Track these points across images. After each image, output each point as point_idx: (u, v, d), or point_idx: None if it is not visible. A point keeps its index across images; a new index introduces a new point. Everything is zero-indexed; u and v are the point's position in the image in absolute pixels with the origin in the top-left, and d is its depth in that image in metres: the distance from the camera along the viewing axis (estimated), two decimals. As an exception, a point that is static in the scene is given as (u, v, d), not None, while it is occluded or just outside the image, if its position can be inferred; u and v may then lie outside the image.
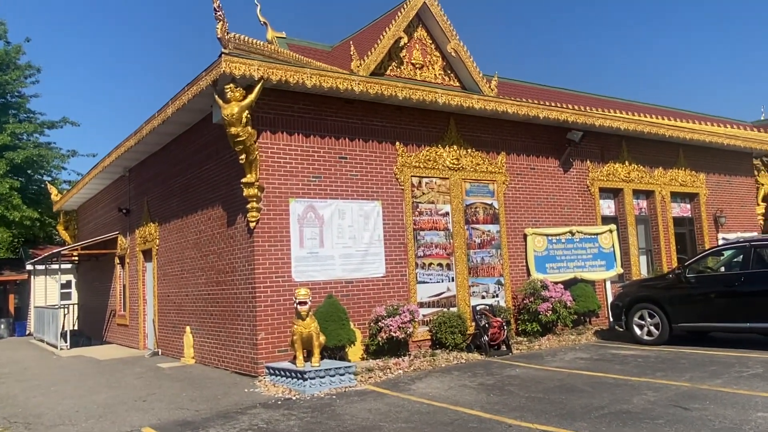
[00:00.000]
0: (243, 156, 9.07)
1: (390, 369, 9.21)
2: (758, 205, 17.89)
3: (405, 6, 15.61)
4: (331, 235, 10.07)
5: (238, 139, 8.87)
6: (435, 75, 16.43)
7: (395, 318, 9.66)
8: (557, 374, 8.39)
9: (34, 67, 27.87)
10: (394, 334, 9.58)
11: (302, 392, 7.95)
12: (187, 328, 11.55)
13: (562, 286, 11.93)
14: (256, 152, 9.27)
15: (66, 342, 15.73)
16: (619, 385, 7.50)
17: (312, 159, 10.04)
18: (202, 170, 11.12)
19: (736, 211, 17.21)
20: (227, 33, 8.92)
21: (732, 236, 16.08)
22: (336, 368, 8.30)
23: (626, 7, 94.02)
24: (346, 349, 9.63)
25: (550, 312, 11.44)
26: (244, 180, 9.22)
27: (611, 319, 11.96)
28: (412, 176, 11.18)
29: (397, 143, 11.07)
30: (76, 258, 20.82)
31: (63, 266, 22.90)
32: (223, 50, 8.71)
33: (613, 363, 9.01)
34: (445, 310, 11.13)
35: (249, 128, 9.02)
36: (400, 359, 9.77)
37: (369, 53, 14.90)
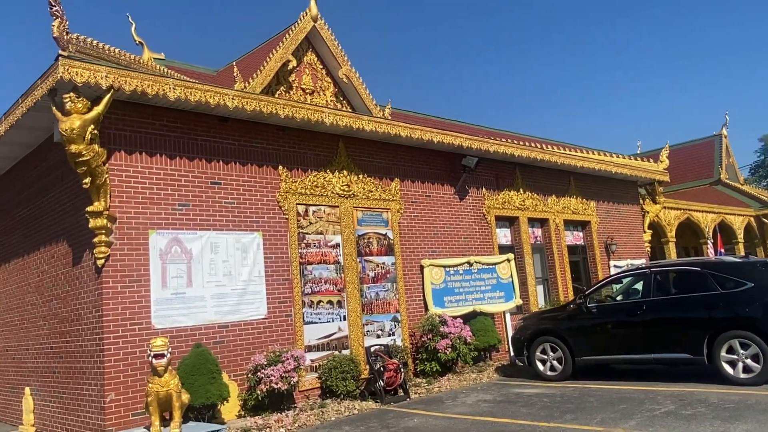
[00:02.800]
0: (88, 179, 7.54)
1: (271, 428, 7.88)
2: (645, 232, 18.32)
3: (293, 28, 14.69)
4: (202, 273, 8.67)
5: (81, 159, 7.36)
6: (326, 101, 15.56)
7: (277, 367, 8.36)
8: (459, 423, 7.45)
9: None
10: (275, 386, 8.27)
11: (157, 467, 6.46)
12: (27, 389, 9.55)
13: (461, 321, 11.15)
14: (106, 175, 7.77)
15: None
16: (528, 433, 6.66)
17: (178, 184, 8.65)
18: (47, 198, 9.36)
19: (626, 238, 17.47)
20: (66, 33, 7.45)
21: (623, 263, 16.21)
22: (201, 434, 6.87)
23: (522, 49, 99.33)
24: (219, 407, 8.20)
25: (450, 349, 10.59)
26: (89, 209, 7.68)
27: (513, 354, 11.30)
28: (297, 204, 10.03)
29: (281, 167, 9.92)
30: None
31: None
32: (60, 53, 7.23)
33: (518, 405, 8.22)
34: (336, 353, 9.96)
35: (95, 147, 7.54)
36: (284, 414, 8.44)
37: (255, 75, 13.78)
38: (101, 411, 7.57)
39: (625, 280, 10.34)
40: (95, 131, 7.53)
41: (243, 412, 8.59)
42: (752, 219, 27.02)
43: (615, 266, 16.16)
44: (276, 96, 14.12)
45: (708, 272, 8.69)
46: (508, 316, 12.46)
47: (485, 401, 8.71)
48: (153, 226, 8.29)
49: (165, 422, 7.00)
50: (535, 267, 14.57)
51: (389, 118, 13.87)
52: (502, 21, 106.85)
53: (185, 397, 7.21)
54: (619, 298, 10.52)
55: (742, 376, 8.13)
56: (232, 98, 8.76)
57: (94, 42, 10.74)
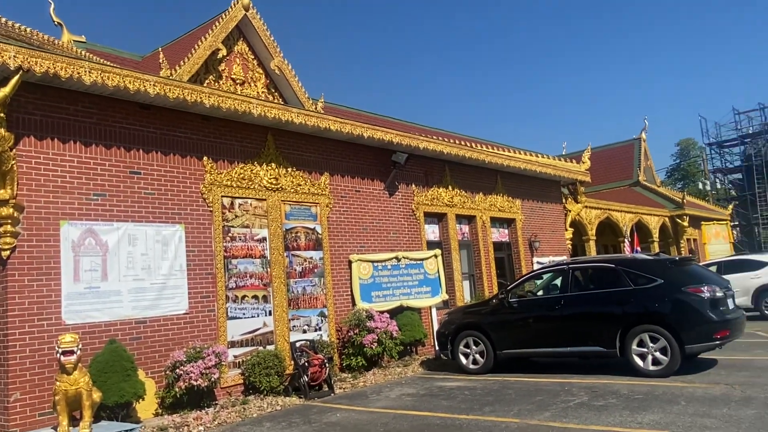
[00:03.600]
0: (-8, 166, 7.07)
1: (189, 426, 7.65)
2: (567, 230, 19.00)
3: (224, 16, 14.30)
4: (118, 266, 8.31)
5: (-15, 143, 6.89)
6: (258, 92, 15.26)
7: (197, 363, 8.13)
8: (382, 417, 7.47)
9: None
10: (195, 383, 8.03)
11: (63, 470, 6.14)
12: None
13: (388, 316, 11.20)
14: (13, 162, 7.30)
15: None
16: (446, 426, 6.75)
17: (94, 173, 8.24)
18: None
19: (548, 236, 18.07)
20: (-30, 7, 6.92)
21: (545, 260, 16.75)
22: (113, 434, 6.58)
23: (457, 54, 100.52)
24: (135, 405, 7.90)
25: (376, 344, 10.62)
26: (-6, 197, 7.20)
27: (437, 348, 11.46)
28: (222, 196, 9.78)
29: (205, 158, 9.64)
30: None
31: None
32: (-38, 28, 6.73)
33: (440, 398, 8.34)
34: (261, 348, 9.80)
35: (1, 131, 7.06)
36: (203, 412, 8.23)
37: (182, 63, 13.33)
38: (5, 411, 7.12)
39: (545, 276, 10.68)
40: (1, 114, 7.05)
41: (161, 411, 8.31)
42: (667, 219, 28.56)
43: (538, 262, 16.67)
44: (204, 85, 13.73)
45: (621, 269, 9.09)
46: (434, 310, 12.62)
47: (408, 395, 8.78)
48: (65, 217, 7.86)
49: (75, 422, 6.67)
50: (462, 263, 14.84)
51: (322, 112, 13.75)
52: (446, 24, 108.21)
53: (96, 395, 6.89)
54: (540, 293, 10.86)
55: (652, 368, 8.56)
56: (154, 85, 8.42)
57: (2, 20, 10.07)
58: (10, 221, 7.28)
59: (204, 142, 9.67)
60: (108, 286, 8.15)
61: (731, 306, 8.89)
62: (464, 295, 14.58)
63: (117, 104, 8.60)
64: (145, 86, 8.32)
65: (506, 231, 16.86)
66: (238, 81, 14.94)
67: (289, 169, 10.92)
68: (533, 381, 9.08)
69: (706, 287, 8.44)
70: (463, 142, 15.09)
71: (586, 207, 21.32)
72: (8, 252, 7.29)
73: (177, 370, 8.12)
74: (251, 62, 15.43)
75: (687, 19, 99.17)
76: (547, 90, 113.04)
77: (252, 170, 10.27)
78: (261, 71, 15.53)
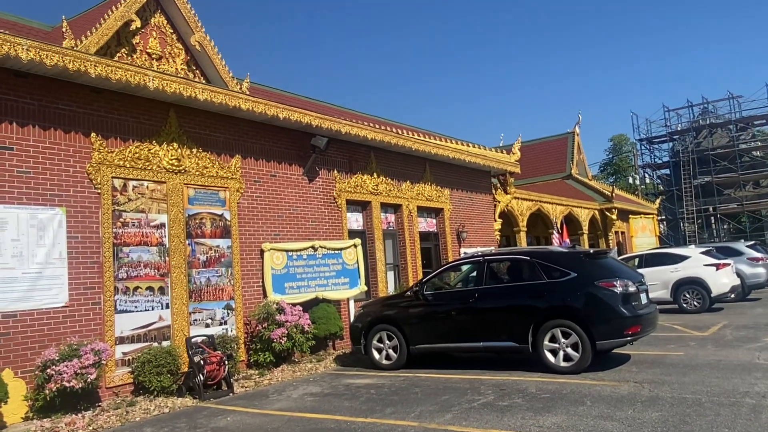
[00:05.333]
0: None
1: (59, 431, 6.85)
2: (496, 221, 18.83)
3: (139, -15, 13.26)
4: (-18, 253, 7.36)
5: None
6: (177, 69, 14.26)
7: (72, 362, 7.29)
8: (275, 420, 6.88)
9: None
10: (68, 384, 7.20)
11: None
12: None
13: (300, 309, 10.58)
14: None
15: None
16: (341, 431, 6.22)
17: (-48, 147, 7.26)
18: None
19: (477, 226, 17.83)
20: None
21: (472, 251, 16.49)
22: (-46, 445, 5.73)
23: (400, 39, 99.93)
24: (0, 409, 7.03)
25: (285, 339, 9.99)
26: None
27: (352, 342, 10.94)
28: (113, 177, 8.89)
29: (93, 135, 8.72)
30: None
31: None
32: None
33: (344, 398, 7.81)
34: (155, 344, 9.01)
35: None
36: (79, 416, 7.42)
37: (90, 33, 12.25)
38: None
39: (464, 268, 10.31)
40: None
41: (31, 414, 7.44)
42: (597, 212, 29.02)
43: (465, 253, 16.39)
44: (116, 58, 12.68)
45: (536, 261, 8.78)
46: (352, 303, 12.09)
47: (311, 395, 8.22)
48: None
49: None
50: (387, 253, 14.37)
51: (247, 92, 12.91)
52: (385, 10, 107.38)
53: (-59, 401, 6.02)
54: (459, 286, 10.49)
55: (563, 364, 8.29)
56: (27, 49, 7.47)
57: None
58: None
59: (92, 117, 8.75)
60: (-32, 275, 7.20)
61: (644, 301, 8.72)
62: (388, 286, 14.13)
63: (-15, 70, 7.61)
64: (16, 50, 7.37)
65: (434, 221, 16.50)
66: (154, 56, 13.92)
67: (195, 150, 10.10)
68: (444, 378, 8.68)
69: (618, 281, 8.21)
70: (390, 128, 14.57)
71: (517, 198, 21.26)
72: None
73: (48, 370, 7.26)
74: (170, 36, 14.42)
75: (620, 15, 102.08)
76: (485, 80, 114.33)
77: (150, 150, 9.41)
78: (181, 46, 14.55)
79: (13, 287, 7.58)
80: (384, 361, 9.74)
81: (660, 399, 6.57)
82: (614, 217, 29.13)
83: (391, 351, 9.70)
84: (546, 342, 8.37)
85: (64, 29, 12.03)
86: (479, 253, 9.82)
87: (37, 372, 7.40)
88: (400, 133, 14.62)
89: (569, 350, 8.25)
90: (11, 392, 7.19)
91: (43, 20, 16.14)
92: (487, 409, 6.64)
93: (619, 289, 8.16)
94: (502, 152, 19.18)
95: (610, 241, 29.44)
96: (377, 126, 14.28)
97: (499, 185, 19.41)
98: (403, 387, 8.26)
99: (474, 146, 17.82)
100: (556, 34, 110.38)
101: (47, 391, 7.24)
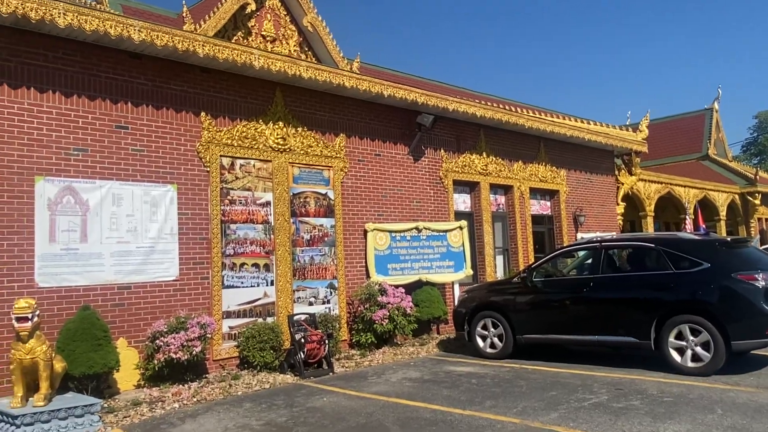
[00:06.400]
0: (-45, 114, 6.56)
1: (165, 401, 7.09)
2: (618, 204, 17.49)
3: (255, -32, 13.49)
4: (100, 227, 7.76)
5: (-57, 89, 6.36)
6: (290, 50, 14.42)
7: (178, 335, 7.53)
8: (370, 404, 6.67)
9: None
10: (174, 356, 7.45)
11: (10, 445, 5.67)
12: None
13: (403, 291, 10.33)
14: (-20, 111, 6.78)
15: None
16: (435, 422, 5.88)
17: (75, 126, 7.66)
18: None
19: (596, 210, 16.64)
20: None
21: (589, 236, 15.41)
22: (68, 408, 6.04)
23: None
24: (113, 376, 7.41)
25: (387, 321, 9.80)
26: (-41, 148, 6.71)
27: (455, 328, 10.53)
28: (222, 156, 9.07)
29: (203, 114, 8.92)
30: None
31: None
32: None
33: (443, 386, 7.45)
34: (260, 320, 9.16)
35: (-36, 76, 6.53)
36: (185, 386, 7.67)
37: (208, 17, 12.65)
38: (-31, 376, 6.74)
39: (578, 255, 9.52)
40: (-37, 58, 6.50)
41: (143, 383, 7.80)
42: (737, 196, 26.26)
43: (582, 238, 15.35)
44: (233, 41, 13.04)
45: (662, 249, 7.85)
46: (456, 287, 11.66)
47: (410, 380, 7.95)
48: (41, 172, 7.33)
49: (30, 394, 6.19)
50: (496, 236, 13.76)
51: (356, 72, 12.80)
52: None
53: (59, 366, 6.39)
54: (572, 273, 9.73)
55: (690, 365, 7.38)
56: (139, 30, 7.71)
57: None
58: (-23, 175, 6.79)
59: (202, 97, 8.95)
60: (88, 248, 7.61)
61: (793, 297, 7.53)
62: (497, 271, 13.54)
63: (103, 52, 7.96)
64: (129, 31, 7.62)
65: (548, 203, 15.58)
66: (268, 38, 14.13)
67: (300, 129, 10.09)
68: (552, 371, 8.06)
69: (761, 274, 7.14)
70: (500, 105, 13.85)
71: (643, 180, 19.65)
72: (-26, 208, 6.81)
73: (157, 341, 7.55)
74: (283, 18, 14.56)
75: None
76: (612, 58, 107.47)
77: (257, 129, 9.51)
78: (293, 28, 14.65)
79: (128, 260, 7.94)
80: (488, 350, 9.26)
81: (811, 413, 5.60)
82: (757, 202, 26.17)
83: (496, 339, 9.19)
84: (671, 339, 7.48)
85: (184, 14, 12.48)
86: (596, 239, 8.99)
87: (147, 342, 7.73)
88: (512, 110, 13.85)
89: (699, 349, 7.32)
90: (125, 360, 7.57)
91: (171, 9, 16.96)
92: (599, 411, 6.00)
93: (761, 283, 7.10)
94: (627, 130, 17.71)
95: (752, 229, 26.50)
96: (487, 103, 13.62)
97: (622, 166, 17.98)
98: (507, 379, 7.76)
99: (595, 124, 16.57)
100: (688, 12, 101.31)
101: (156, 362, 7.54)
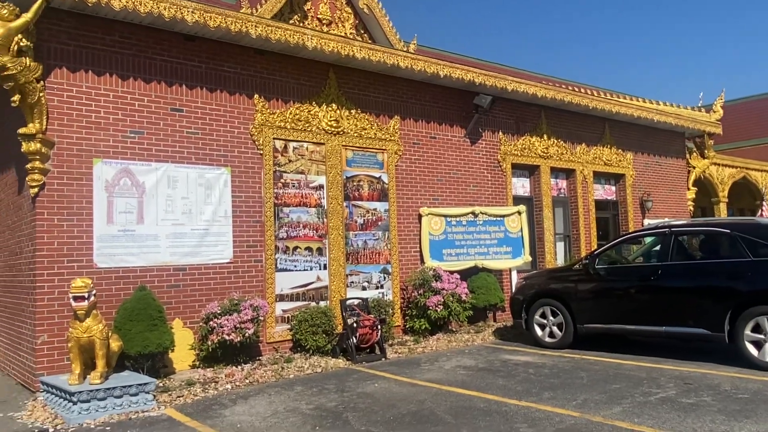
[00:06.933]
0: (17, 97, 6.71)
1: (218, 382, 7.13)
2: (689, 189, 16.55)
3: (310, -50, 13.39)
4: (156, 209, 7.85)
5: (6, 73, 6.49)
6: (346, 33, 14.28)
7: (231, 316, 7.55)
8: (422, 392, 6.49)
9: None
10: (227, 337, 7.48)
11: (68, 421, 5.79)
12: (-11, 323, 9.14)
13: (458, 277, 10.07)
14: (40, 94, 6.91)
15: None
16: (490, 413, 5.63)
17: (131, 109, 7.75)
18: (7, 121, 8.63)
19: (665, 195, 15.80)
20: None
21: (656, 222, 14.65)
22: (124, 387, 6.13)
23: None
24: (169, 356, 7.51)
25: (441, 307, 9.57)
26: (21, 131, 6.88)
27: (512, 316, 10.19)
28: (275, 139, 9.02)
29: (256, 96, 8.88)
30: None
31: None
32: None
33: (498, 375, 7.18)
34: (313, 304, 9.10)
35: (26, 60, 6.65)
36: (238, 368, 7.69)
37: (265, 1, 12.65)
38: (32, 352, 6.97)
39: (645, 241, 9.00)
40: (25, 42, 6.62)
41: (198, 363, 7.88)
42: (822, 183, 24.44)
43: (649, 224, 14.60)
44: (289, 24, 13.01)
45: (738, 235, 7.27)
46: (514, 273, 11.28)
47: (464, 368, 7.71)
48: (99, 155, 7.45)
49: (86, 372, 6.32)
50: (556, 222, 13.25)
51: (411, 52, 12.55)
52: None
53: (116, 344, 6.50)
54: (638, 260, 9.22)
55: (769, 359, 6.83)
56: (192, 12, 7.69)
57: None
58: (38, 157, 6.95)
59: (255, 79, 8.90)
60: (144, 229, 7.72)
61: None
62: (557, 258, 13.05)
63: (158, 35, 8.01)
64: (182, 13, 7.61)
65: (613, 188, 14.89)
66: (324, 21, 14.02)
67: (353, 111, 9.92)
68: (615, 363, 7.64)
69: None
70: (562, 86, 13.26)
71: (716, 164, 18.53)
72: (36, 189, 6.99)
73: (210, 323, 7.60)
74: (339, 1, 14.42)
75: None
76: (685, 34, 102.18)
77: (309, 111, 9.40)
78: (349, 11, 14.49)
79: (183, 242, 8.01)
80: (547, 339, 8.90)
81: None
82: (843, 188, 24.29)
83: (555, 328, 8.81)
84: (747, 332, 6.94)
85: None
86: (665, 224, 8.45)
87: (201, 324, 7.79)
88: (575, 90, 13.24)
89: (779, 344, 6.75)
90: (180, 341, 7.66)
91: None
92: (667, 406, 5.60)
93: None
94: (699, 111, 16.69)
95: (837, 217, 24.68)
96: (548, 83, 13.06)
97: (694, 149, 16.97)
98: (567, 369, 7.40)
99: (664, 104, 15.68)
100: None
101: (209, 343, 7.59)
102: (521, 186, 12.77)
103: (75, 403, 5.88)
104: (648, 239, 9.10)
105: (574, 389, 6.39)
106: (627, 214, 14.75)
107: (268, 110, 8.96)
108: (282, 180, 9.07)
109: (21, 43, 6.58)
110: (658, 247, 8.28)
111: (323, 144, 9.54)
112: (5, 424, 5.85)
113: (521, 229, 11.30)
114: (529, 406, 5.79)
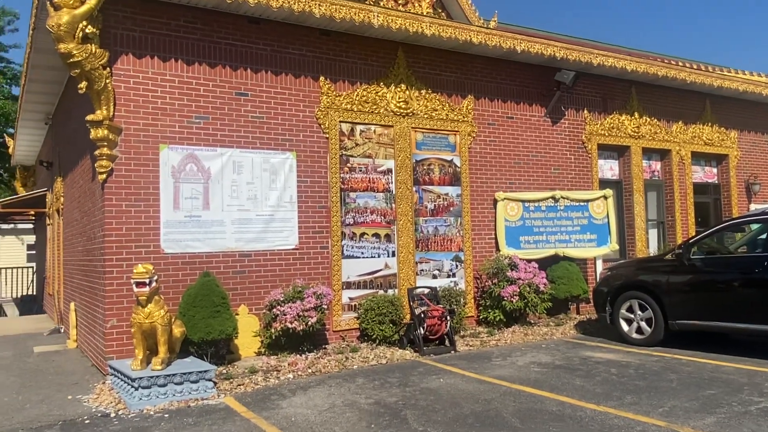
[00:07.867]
0: (84, 84, 6.80)
1: (280, 371, 6.98)
2: (803, 171, 14.83)
3: (383, -73, 12.97)
4: (221, 195, 7.79)
5: (72, 60, 6.58)
6: (423, 11, 13.79)
7: (294, 304, 7.38)
8: (490, 390, 6.03)
9: (11, 12, 26.07)
10: (290, 325, 7.32)
11: (130, 407, 5.81)
12: (72, 305, 9.53)
13: (536, 266, 9.44)
14: (107, 80, 6.97)
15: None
16: (562, 418, 5.10)
17: (196, 94, 7.70)
18: (82, 108, 8.86)
19: (775, 177, 14.25)
20: None
21: (764, 207, 13.22)
22: (184, 373, 6.09)
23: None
24: (235, 342, 7.46)
25: (517, 297, 9.00)
26: (89, 117, 6.98)
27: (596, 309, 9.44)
28: (341, 122, 8.74)
29: (322, 78, 8.63)
30: (33, 217, 19.16)
31: (27, 226, 21.35)
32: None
33: (576, 375, 6.59)
34: (381, 292, 8.81)
35: (91, 46, 6.72)
36: (302, 357, 7.53)
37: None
38: (102, 336, 7.10)
39: (749, 229, 8.01)
40: (90, 29, 6.67)
41: (263, 350, 7.79)
42: None
43: (756, 209, 13.20)
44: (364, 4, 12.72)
45: None
46: (599, 262, 10.46)
47: (539, 364, 7.15)
48: (165, 141, 7.46)
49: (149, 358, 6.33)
50: (648, 207, 12.23)
51: (486, 28, 11.91)
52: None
53: (178, 330, 6.49)
54: (741, 250, 8.23)
55: None
56: (254, -7, 7.50)
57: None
58: (106, 143, 7.03)
59: (321, 60, 8.64)
60: (210, 215, 7.68)
61: None
62: (649, 246, 12.05)
63: (223, 18, 7.90)
64: (244, -5, 7.44)
65: (714, 170, 13.58)
66: (400, 1, 13.62)
67: (423, 92, 9.47)
68: (712, 365, 6.82)
69: None
70: (656, 59, 12.14)
71: (838, 142, 16.50)
72: (104, 176, 7.08)
73: (274, 310, 7.47)
74: (414, -21, 13.92)
75: None
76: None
77: (377, 92, 9.05)
78: (426, -11, 13.97)
79: (248, 228, 7.92)
80: (634, 335, 8.14)
81: None
82: None
83: (643, 324, 8.04)
84: None
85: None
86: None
87: (265, 311, 7.68)
88: (670, 63, 12.09)
89: None
90: (246, 327, 7.61)
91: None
92: (772, 420, 4.85)
93: None
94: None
95: None
96: (638, 57, 11.99)
97: (811, 126, 15.17)
98: (655, 370, 6.68)
99: (775, 76, 14.06)
100: None
101: (272, 330, 7.47)
102: (609, 168, 11.84)
103: (136, 389, 5.89)
104: (754, 226, 8.11)
105: (661, 394, 5.71)
106: (730, 198, 13.42)
107: (334, 92, 8.68)
108: (348, 164, 8.79)
109: (86, 30, 6.63)
110: (764, 236, 7.32)
111: (391, 126, 9.16)
112: (72, 406, 5.96)
113: (607, 215, 10.44)
114: (608, 412, 5.20)
